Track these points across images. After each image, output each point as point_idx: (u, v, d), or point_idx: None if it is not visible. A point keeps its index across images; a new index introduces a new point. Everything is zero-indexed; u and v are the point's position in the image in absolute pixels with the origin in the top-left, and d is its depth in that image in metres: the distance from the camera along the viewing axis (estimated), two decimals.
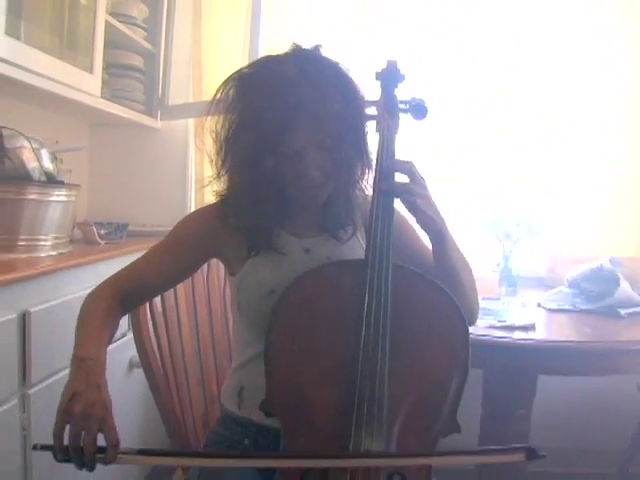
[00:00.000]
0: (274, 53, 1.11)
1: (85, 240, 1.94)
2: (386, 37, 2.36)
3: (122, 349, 1.79)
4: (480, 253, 2.17)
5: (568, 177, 2.43)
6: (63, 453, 0.85)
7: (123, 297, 1.10)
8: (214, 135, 1.10)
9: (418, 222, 1.05)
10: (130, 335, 1.81)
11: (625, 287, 1.93)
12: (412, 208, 1.03)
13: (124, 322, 1.80)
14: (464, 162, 2.47)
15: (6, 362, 1.26)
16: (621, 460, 2.28)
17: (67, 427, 0.87)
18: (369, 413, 0.90)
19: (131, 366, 1.86)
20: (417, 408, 0.95)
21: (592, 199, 2.42)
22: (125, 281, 1.13)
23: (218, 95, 1.09)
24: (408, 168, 1.05)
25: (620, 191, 2.40)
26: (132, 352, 1.83)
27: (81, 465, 0.85)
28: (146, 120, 2.39)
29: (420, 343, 0.99)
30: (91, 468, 0.86)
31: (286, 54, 1.08)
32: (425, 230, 1.07)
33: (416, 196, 1.02)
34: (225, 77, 1.13)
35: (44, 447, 0.86)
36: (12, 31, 1.47)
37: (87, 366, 0.93)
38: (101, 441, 0.87)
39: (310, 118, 1.01)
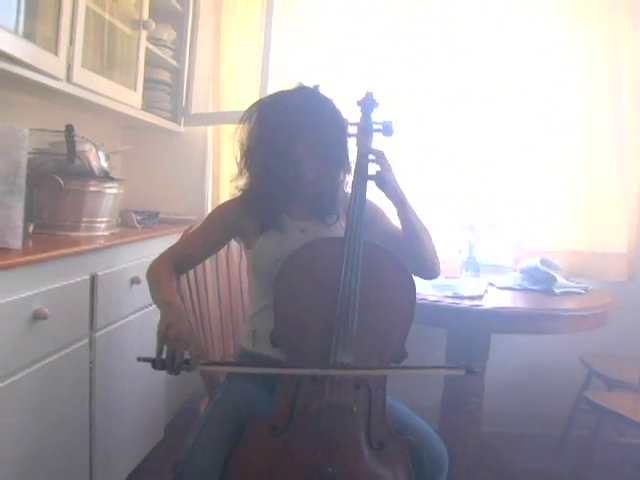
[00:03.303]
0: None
1: (124, 224, 2.31)
2: (365, 71, 2.76)
3: (152, 314, 2.17)
4: (448, 240, 2.54)
5: (532, 178, 2.79)
6: (160, 364, 1.23)
7: (176, 264, 1.55)
8: (240, 145, 1.54)
9: (385, 194, 1.47)
10: None
11: (561, 280, 2.29)
12: (381, 184, 1.45)
13: None
14: (439, 163, 2.84)
15: (80, 312, 1.66)
16: (564, 423, 2.66)
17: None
18: (344, 336, 1.31)
19: None
20: (376, 335, 1.38)
21: (553, 199, 2.79)
22: (177, 254, 1.58)
23: (245, 116, 1.52)
24: (380, 154, 1.47)
25: (576, 193, 2.78)
26: None
27: (172, 371, 1.23)
28: (171, 126, 2.76)
29: (380, 292, 1.40)
30: (177, 373, 1.24)
31: (294, 89, 1.52)
32: (390, 199, 1.49)
33: (384, 175, 1.44)
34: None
35: (146, 359, 1.23)
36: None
37: (174, 307, 1.36)
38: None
39: (309, 138, 1.45)
